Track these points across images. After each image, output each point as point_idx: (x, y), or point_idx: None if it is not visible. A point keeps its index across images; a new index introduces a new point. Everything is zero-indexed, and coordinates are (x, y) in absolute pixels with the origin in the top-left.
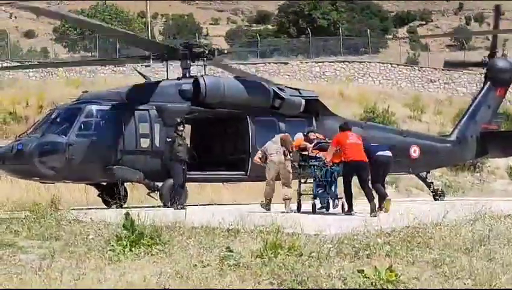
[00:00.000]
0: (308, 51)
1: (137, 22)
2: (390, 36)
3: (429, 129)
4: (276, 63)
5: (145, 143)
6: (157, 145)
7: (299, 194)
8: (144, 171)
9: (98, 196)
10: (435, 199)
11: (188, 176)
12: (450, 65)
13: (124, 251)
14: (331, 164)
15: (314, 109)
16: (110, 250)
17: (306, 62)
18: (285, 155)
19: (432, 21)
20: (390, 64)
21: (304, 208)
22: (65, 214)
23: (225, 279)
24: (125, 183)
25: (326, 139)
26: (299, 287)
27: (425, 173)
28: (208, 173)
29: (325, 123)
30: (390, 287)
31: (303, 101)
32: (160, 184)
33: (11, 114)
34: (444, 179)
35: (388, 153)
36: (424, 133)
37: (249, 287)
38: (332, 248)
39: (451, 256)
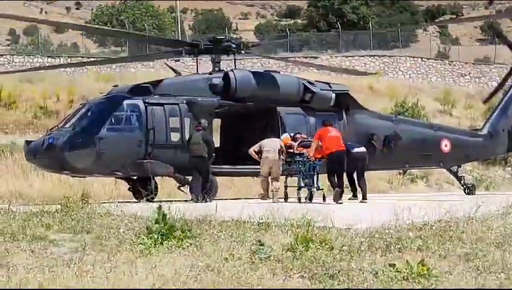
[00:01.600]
0: (337, 46)
1: (167, 17)
2: (421, 30)
3: (460, 123)
4: (305, 57)
5: (175, 137)
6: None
7: (286, 187)
8: (174, 165)
9: (129, 189)
10: (466, 193)
11: (218, 169)
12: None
13: (155, 244)
14: (313, 158)
15: (344, 102)
16: (141, 243)
17: (336, 56)
18: (279, 155)
19: (462, 15)
20: (421, 58)
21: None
22: (96, 208)
23: (256, 272)
24: (155, 177)
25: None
26: (330, 281)
27: (456, 167)
28: (237, 167)
29: (355, 117)
30: (422, 281)
31: (333, 95)
32: (190, 178)
33: (42, 108)
34: (475, 173)
35: (363, 149)
36: (455, 127)
37: (280, 281)
38: (363, 241)
39: (484, 250)
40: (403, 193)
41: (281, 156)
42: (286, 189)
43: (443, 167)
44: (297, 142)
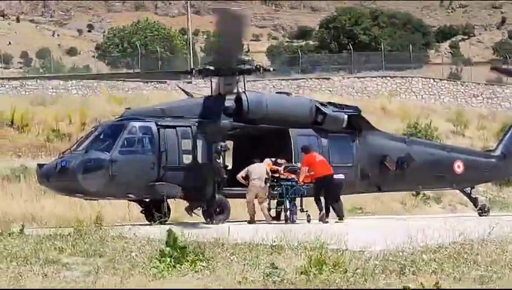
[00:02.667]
0: (349, 67)
1: (178, 39)
2: (433, 51)
3: (472, 144)
4: (317, 79)
5: (187, 159)
6: (200, 161)
7: (269, 209)
8: (186, 187)
9: (141, 212)
10: (480, 215)
11: (231, 191)
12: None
13: (168, 268)
14: (302, 184)
15: (356, 124)
16: (153, 267)
17: (348, 77)
18: (265, 181)
19: (474, 35)
20: (433, 79)
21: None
22: (109, 231)
23: None
24: (168, 200)
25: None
26: None
27: (469, 188)
28: None
29: (368, 138)
30: None
31: (345, 117)
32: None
33: (54, 131)
34: (489, 195)
35: (341, 176)
36: (467, 148)
37: None
38: (377, 264)
39: (498, 272)
40: (416, 215)
41: (267, 183)
42: (269, 210)
43: (456, 188)
44: (283, 167)
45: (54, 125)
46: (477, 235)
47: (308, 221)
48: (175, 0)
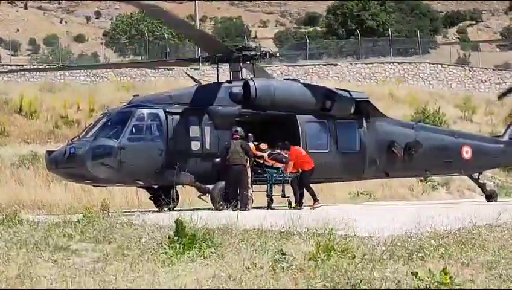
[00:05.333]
0: (357, 53)
1: None
2: (441, 37)
3: (480, 130)
4: (325, 65)
5: (195, 146)
6: (208, 148)
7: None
8: (195, 174)
9: (150, 199)
10: (488, 201)
11: None
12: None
13: (177, 254)
14: (288, 173)
15: (364, 110)
16: (163, 253)
17: (355, 64)
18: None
19: (482, 21)
20: (441, 64)
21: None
22: (118, 217)
23: (278, 282)
24: (176, 186)
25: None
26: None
27: (477, 174)
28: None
29: (376, 124)
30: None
31: (353, 103)
32: (211, 187)
33: (63, 118)
34: (497, 180)
35: None
36: (476, 133)
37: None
38: (385, 250)
39: (506, 258)
40: (424, 200)
41: (248, 163)
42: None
43: (464, 174)
44: (267, 154)
45: (63, 112)
46: (485, 221)
47: (289, 207)
48: None
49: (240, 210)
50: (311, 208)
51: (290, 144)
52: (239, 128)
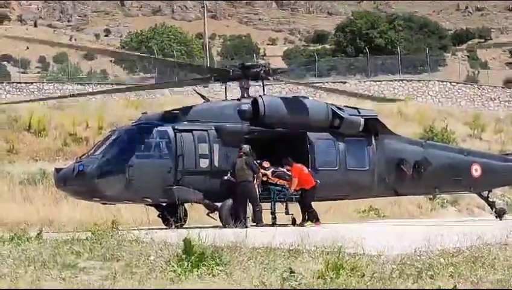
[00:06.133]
0: (366, 70)
1: (195, 43)
2: (449, 54)
3: (490, 148)
4: (334, 82)
5: (204, 163)
6: (217, 165)
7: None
8: (203, 191)
9: (158, 216)
10: (497, 219)
11: None
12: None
13: (185, 272)
14: (292, 190)
15: (373, 128)
16: (171, 271)
17: (364, 81)
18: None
19: (491, 38)
20: (450, 82)
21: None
22: (126, 235)
23: None
24: (184, 204)
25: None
26: None
27: (486, 192)
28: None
29: (385, 142)
30: None
31: (362, 120)
32: (219, 204)
33: (72, 135)
34: (506, 198)
35: None
36: (485, 151)
37: None
38: (394, 268)
39: None
40: (433, 218)
41: (255, 180)
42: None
43: (473, 192)
44: (271, 171)
45: (71, 129)
46: (495, 239)
47: (293, 224)
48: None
49: (256, 226)
50: (299, 225)
51: (298, 161)
52: (244, 145)
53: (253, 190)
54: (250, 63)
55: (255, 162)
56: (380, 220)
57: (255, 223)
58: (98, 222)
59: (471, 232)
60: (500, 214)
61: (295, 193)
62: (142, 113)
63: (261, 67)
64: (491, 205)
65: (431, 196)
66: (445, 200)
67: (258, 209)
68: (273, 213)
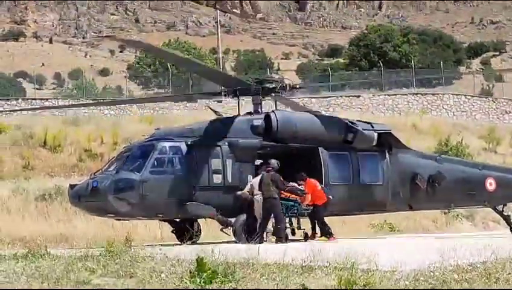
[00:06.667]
0: (380, 84)
1: (209, 58)
2: (464, 67)
3: (505, 161)
4: (348, 96)
5: (217, 179)
6: (230, 180)
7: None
8: (216, 207)
9: (172, 232)
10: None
11: None
12: None
13: (198, 289)
14: (305, 205)
15: (387, 142)
16: (184, 288)
17: (378, 95)
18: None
19: (505, 51)
20: (464, 95)
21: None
22: (139, 251)
23: None
24: (198, 219)
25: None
26: None
27: (501, 206)
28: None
29: (398, 157)
30: None
31: (375, 135)
32: (233, 220)
33: (87, 151)
34: None
35: None
36: (500, 165)
37: None
38: (408, 284)
39: None
40: (447, 233)
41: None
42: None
43: (488, 206)
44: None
45: (86, 145)
46: (509, 254)
47: (305, 239)
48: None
49: (281, 243)
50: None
51: (311, 176)
52: (272, 160)
53: (278, 207)
54: (265, 78)
55: (281, 178)
56: (394, 234)
57: (276, 240)
58: (111, 239)
59: (484, 247)
60: None
61: (307, 208)
62: (156, 129)
63: (276, 83)
64: (506, 219)
65: (446, 211)
66: (459, 215)
67: (281, 226)
68: (286, 228)
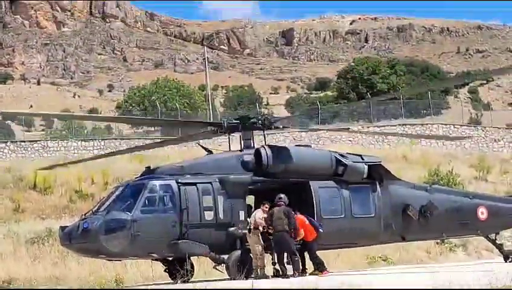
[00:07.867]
0: (369, 116)
1: (198, 95)
2: (452, 97)
3: (496, 189)
4: (337, 130)
5: (209, 216)
6: (221, 217)
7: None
8: (209, 244)
9: (165, 271)
10: (506, 261)
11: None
12: None
13: None
14: (297, 242)
15: (377, 174)
16: None
17: (368, 127)
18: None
19: (493, 80)
20: (453, 125)
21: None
22: None
23: None
24: (191, 257)
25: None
26: None
27: (494, 234)
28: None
29: (389, 188)
30: None
31: (366, 167)
32: (226, 257)
33: (77, 192)
34: None
35: None
36: (490, 194)
37: None
38: None
39: None
40: (441, 263)
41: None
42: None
43: (481, 235)
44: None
45: (77, 186)
46: (503, 282)
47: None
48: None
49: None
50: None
51: (303, 210)
52: (283, 195)
53: (290, 241)
54: (247, 115)
55: (293, 212)
56: (388, 267)
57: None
58: (104, 279)
59: (478, 276)
60: (508, 256)
61: (297, 243)
62: (146, 168)
63: (258, 118)
64: (499, 247)
65: (439, 241)
66: (453, 244)
67: (296, 259)
68: (275, 263)
